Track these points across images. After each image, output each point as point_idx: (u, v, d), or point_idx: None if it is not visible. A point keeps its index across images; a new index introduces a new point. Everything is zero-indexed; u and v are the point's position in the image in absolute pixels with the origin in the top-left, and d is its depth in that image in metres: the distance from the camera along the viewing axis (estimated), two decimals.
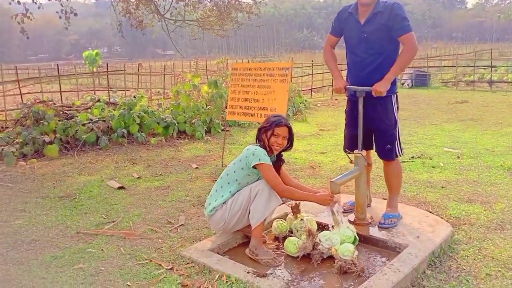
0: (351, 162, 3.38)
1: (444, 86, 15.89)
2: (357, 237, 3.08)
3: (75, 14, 9.71)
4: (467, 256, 2.94)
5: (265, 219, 3.05)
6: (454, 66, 16.61)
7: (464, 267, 2.80)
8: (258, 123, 3.49)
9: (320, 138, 7.62)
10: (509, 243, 3.11)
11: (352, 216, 3.48)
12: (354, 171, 3.29)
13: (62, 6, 9.52)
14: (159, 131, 7.48)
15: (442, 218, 3.60)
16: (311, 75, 16.17)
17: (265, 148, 3.10)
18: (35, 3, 9.20)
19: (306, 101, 11.89)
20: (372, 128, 3.41)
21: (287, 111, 9.94)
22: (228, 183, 3.11)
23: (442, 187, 4.49)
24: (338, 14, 3.49)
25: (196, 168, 5.64)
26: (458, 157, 5.76)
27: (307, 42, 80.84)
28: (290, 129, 3.14)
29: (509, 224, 3.46)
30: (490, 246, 3.08)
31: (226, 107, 6.07)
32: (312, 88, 15.63)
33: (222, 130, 8.19)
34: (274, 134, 3.08)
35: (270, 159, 3.08)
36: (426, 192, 4.36)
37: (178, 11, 10.68)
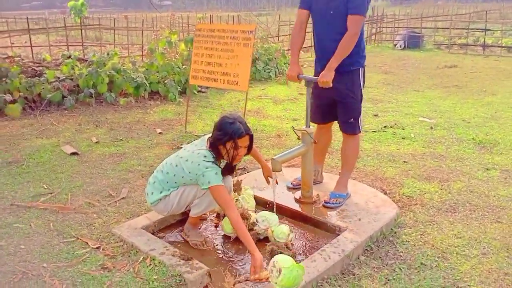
0: (298, 138, 3.20)
1: (437, 49, 15.40)
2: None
3: None
4: (407, 242, 2.83)
5: None
6: (448, 28, 16.04)
7: (401, 254, 2.69)
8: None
9: (298, 103, 7.36)
10: (455, 228, 2.99)
11: (298, 194, 3.34)
12: (298, 148, 3.11)
13: None
14: (130, 92, 7.22)
15: (394, 197, 3.47)
16: None
17: (220, 158, 2.71)
18: None
19: None
20: (337, 100, 3.22)
21: (269, 72, 9.72)
22: (175, 182, 2.75)
23: (404, 161, 4.34)
24: None
25: (160, 133, 5.45)
26: (431, 128, 5.58)
27: None
28: (251, 137, 2.72)
29: (462, 206, 3.33)
30: (434, 231, 2.95)
31: None
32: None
33: (199, 91, 7.93)
34: (235, 148, 2.64)
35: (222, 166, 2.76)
36: (387, 167, 4.20)
37: None
